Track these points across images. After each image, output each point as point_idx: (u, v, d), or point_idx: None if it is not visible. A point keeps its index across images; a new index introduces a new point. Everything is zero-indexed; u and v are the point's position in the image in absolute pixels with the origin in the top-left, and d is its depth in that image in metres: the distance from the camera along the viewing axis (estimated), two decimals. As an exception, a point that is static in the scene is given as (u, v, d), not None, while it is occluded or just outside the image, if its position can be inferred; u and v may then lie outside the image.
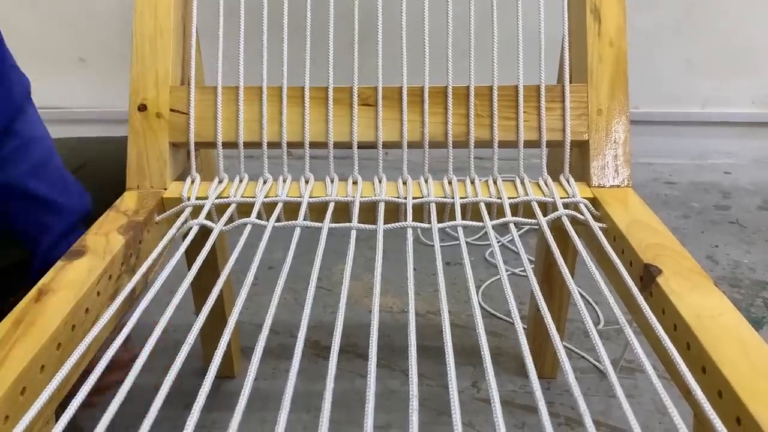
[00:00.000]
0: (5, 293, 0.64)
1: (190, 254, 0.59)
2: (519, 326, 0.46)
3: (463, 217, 0.66)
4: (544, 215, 0.64)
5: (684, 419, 0.38)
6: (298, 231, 0.61)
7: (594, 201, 0.67)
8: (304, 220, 0.65)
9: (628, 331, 0.45)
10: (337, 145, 0.72)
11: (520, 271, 1.16)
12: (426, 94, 0.72)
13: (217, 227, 0.62)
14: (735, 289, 1.22)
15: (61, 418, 0.38)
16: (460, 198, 0.66)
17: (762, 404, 0.37)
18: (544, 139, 0.72)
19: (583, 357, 1.01)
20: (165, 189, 0.70)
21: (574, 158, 0.73)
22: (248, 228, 0.62)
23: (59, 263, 0.52)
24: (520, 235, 1.24)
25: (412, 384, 0.39)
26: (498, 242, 0.61)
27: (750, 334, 0.44)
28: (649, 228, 0.59)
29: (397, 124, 0.72)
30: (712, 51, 1.79)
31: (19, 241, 0.65)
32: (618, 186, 0.70)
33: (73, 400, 0.39)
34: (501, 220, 0.63)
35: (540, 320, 0.46)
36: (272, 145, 0.72)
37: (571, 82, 0.72)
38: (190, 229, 0.62)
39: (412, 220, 0.64)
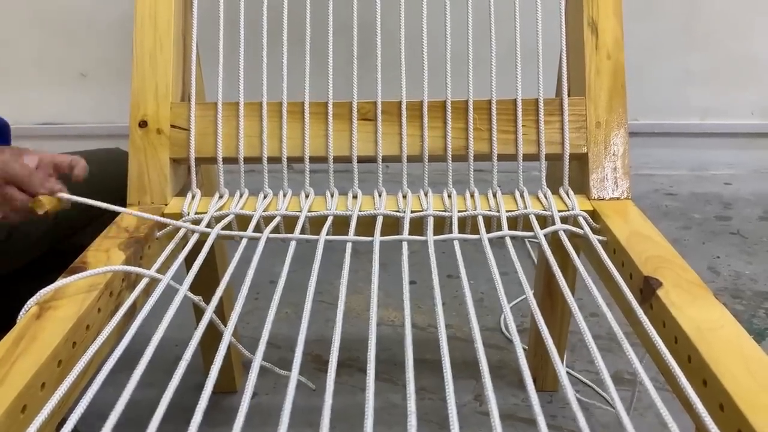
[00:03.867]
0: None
1: (191, 268, 0.59)
2: (517, 341, 0.46)
3: (464, 230, 0.67)
4: (544, 228, 0.64)
5: (686, 432, 0.38)
6: (293, 245, 0.61)
7: (593, 213, 0.67)
8: (303, 233, 0.65)
9: (627, 346, 0.45)
10: (337, 160, 0.73)
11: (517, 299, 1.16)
12: (425, 109, 0.72)
13: (214, 231, 0.62)
14: (737, 300, 1.22)
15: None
16: (460, 211, 0.67)
17: (763, 417, 0.37)
18: (543, 153, 0.72)
19: (583, 381, 1.01)
20: (166, 204, 0.70)
21: (573, 171, 0.73)
22: (244, 241, 0.63)
23: (60, 280, 0.52)
24: (532, 246, 1.24)
25: (410, 400, 0.39)
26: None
27: (751, 347, 0.44)
28: (648, 240, 0.59)
29: (397, 139, 0.72)
30: (711, 62, 1.80)
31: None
32: (617, 198, 0.70)
33: (72, 414, 0.39)
34: (497, 234, 0.63)
35: (541, 333, 0.46)
36: (273, 160, 0.73)
37: (569, 96, 0.73)
38: (187, 242, 0.62)
39: (413, 233, 0.64)
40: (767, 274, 1.30)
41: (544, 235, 0.62)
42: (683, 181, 1.82)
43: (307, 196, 0.71)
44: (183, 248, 0.62)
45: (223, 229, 0.65)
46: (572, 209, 0.67)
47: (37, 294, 0.49)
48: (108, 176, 0.76)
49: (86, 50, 1.85)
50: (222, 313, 0.86)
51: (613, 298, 0.56)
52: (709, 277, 1.30)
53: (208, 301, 0.54)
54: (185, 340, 0.47)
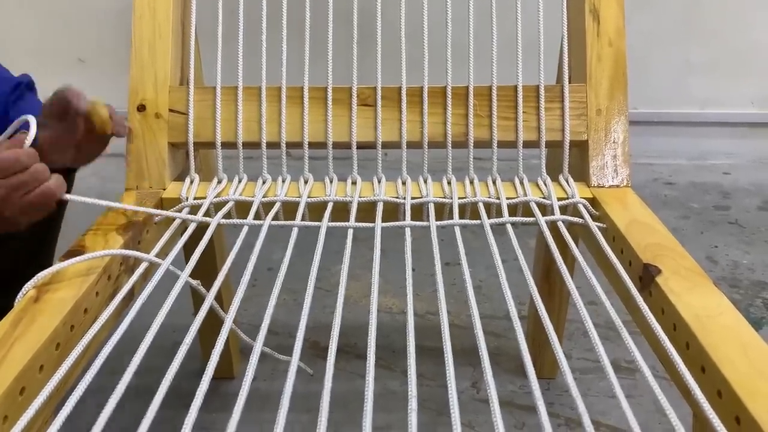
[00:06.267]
0: None
1: (189, 253, 0.59)
2: (518, 326, 0.46)
3: (463, 217, 0.66)
4: (544, 215, 0.64)
5: (684, 419, 0.38)
6: (295, 231, 0.61)
7: (593, 201, 0.67)
8: (302, 220, 0.65)
9: (625, 335, 0.45)
10: (337, 146, 0.72)
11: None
12: (425, 94, 0.72)
13: (215, 221, 0.62)
14: (734, 289, 1.22)
15: (59, 414, 0.37)
16: (459, 198, 0.66)
17: (761, 404, 0.37)
18: (543, 139, 0.71)
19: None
20: (164, 189, 0.70)
21: (573, 158, 0.73)
22: (245, 228, 0.62)
23: (58, 263, 0.52)
24: (522, 235, 1.24)
25: (411, 384, 0.39)
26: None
27: (749, 334, 0.44)
28: (648, 228, 0.59)
29: (397, 125, 0.72)
30: (711, 51, 1.80)
31: None
32: (617, 186, 0.70)
33: (70, 397, 0.39)
34: (498, 220, 0.63)
35: (539, 320, 0.46)
36: (271, 145, 0.72)
37: (570, 83, 0.72)
38: (187, 227, 0.62)
39: (413, 220, 0.63)
40: (765, 264, 1.31)
41: (545, 223, 0.62)
42: (682, 170, 1.82)
43: (306, 182, 0.71)
44: (181, 233, 0.62)
45: (223, 215, 0.65)
46: (572, 196, 0.67)
47: (35, 277, 0.49)
48: None
49: (85, 36, 1.84)
50: (219, 298, 0.86)
51: (612, 285, 0.56)
52: (707, 266, 1.30)
53: (208, 289, 0.54)
54: (182, 326, 0.47)
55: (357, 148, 0.72)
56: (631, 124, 0.72)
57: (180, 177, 0.73)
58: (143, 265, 0.56)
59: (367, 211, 0.66)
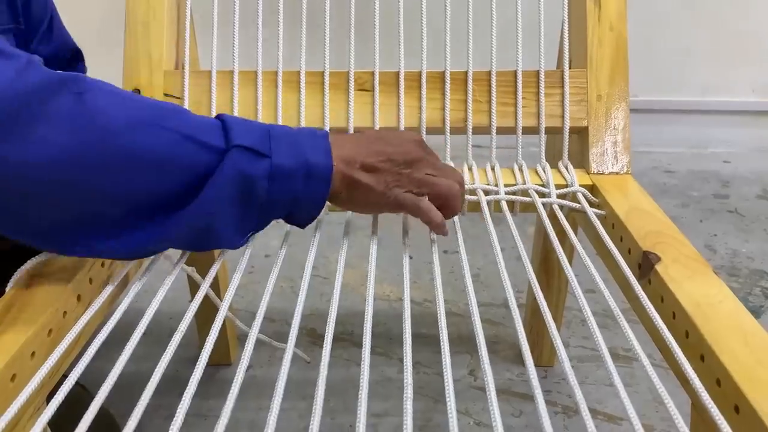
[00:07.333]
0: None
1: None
2: (516, 314, 0.45)
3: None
4: (542, 202, 0.63)
5: (682, 408, 0.38)
6: None
7: (592, 188, 0.66)
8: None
9: (623, 323, 0.44)
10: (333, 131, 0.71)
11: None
12: (423, 79, 0.71)
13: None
14: (733, 278, 1.22)
15: (51, 402, 0.37)
16: (458, 184, 0.66)
17: (761, 392, 0.37)
18: (543, 125, 0.71)
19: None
20: (159, 175, 0.69)
21: (573, 145, 0.72)
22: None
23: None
24: (520, 223, 1.24)
25: (407, 372, 0.39)
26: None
27: (750, 322, 0.43)
28: (648, 215, 0.59)
29: (394, 110, 0.71)
30: (711, 39, 1.78)
31: None
32: (617, 173, 0.69)
33: (63, 384, 0.38)
34: (495, 197, 0.63)
35: (537, 308, 0.46)
36: (268, 130, 0.71)
37: (570, 68, 0.72)
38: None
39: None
40: (764, 253, 1.30)
41: (543, 208, 0.61)
42: (682, 158, 1.81)
43: (302, 168, 0.70)
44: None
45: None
46: (571, 183, 0.66)
47: (27, 263, 0.49)
48: None
49: (77, 19, 1.82)
50: (216, 285, 0.85)
51: (611, 273, 0.55)
52: (706, 254, 1.29)
53: (199, 272, 0.53)
54: (178, 313, 0.46)
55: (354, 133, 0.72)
56: (630, 112, 0.72)
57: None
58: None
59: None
